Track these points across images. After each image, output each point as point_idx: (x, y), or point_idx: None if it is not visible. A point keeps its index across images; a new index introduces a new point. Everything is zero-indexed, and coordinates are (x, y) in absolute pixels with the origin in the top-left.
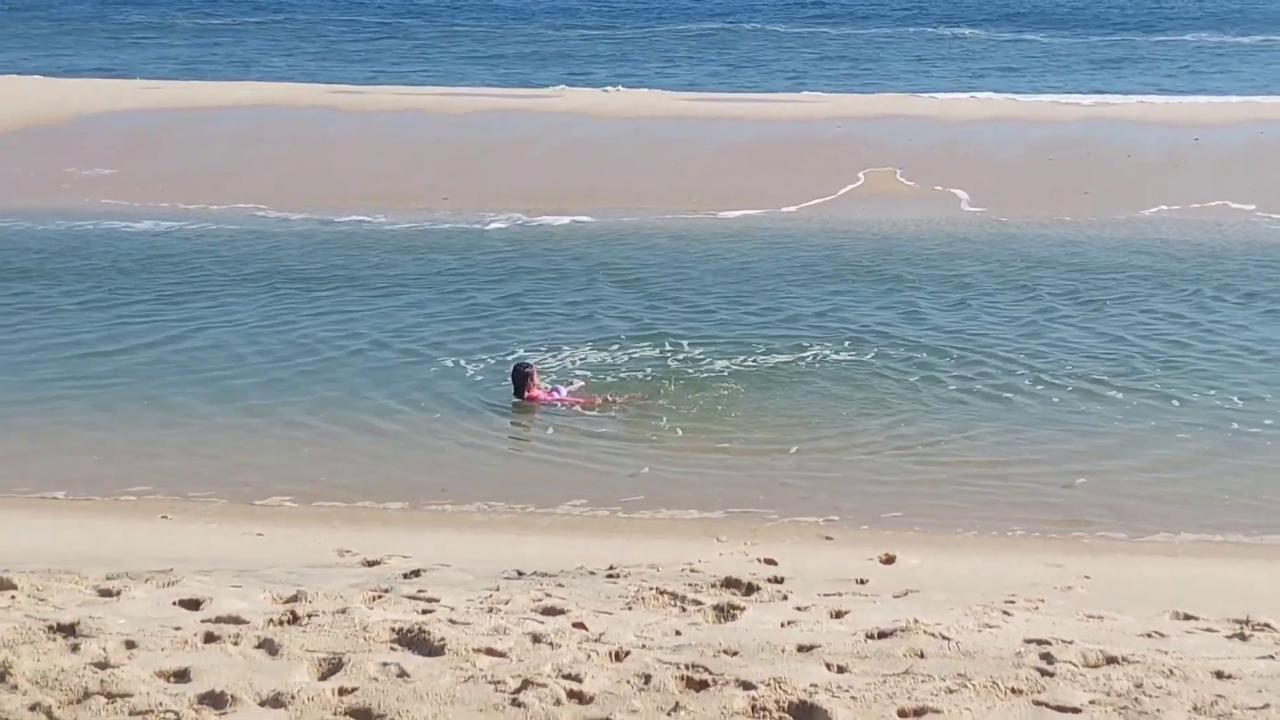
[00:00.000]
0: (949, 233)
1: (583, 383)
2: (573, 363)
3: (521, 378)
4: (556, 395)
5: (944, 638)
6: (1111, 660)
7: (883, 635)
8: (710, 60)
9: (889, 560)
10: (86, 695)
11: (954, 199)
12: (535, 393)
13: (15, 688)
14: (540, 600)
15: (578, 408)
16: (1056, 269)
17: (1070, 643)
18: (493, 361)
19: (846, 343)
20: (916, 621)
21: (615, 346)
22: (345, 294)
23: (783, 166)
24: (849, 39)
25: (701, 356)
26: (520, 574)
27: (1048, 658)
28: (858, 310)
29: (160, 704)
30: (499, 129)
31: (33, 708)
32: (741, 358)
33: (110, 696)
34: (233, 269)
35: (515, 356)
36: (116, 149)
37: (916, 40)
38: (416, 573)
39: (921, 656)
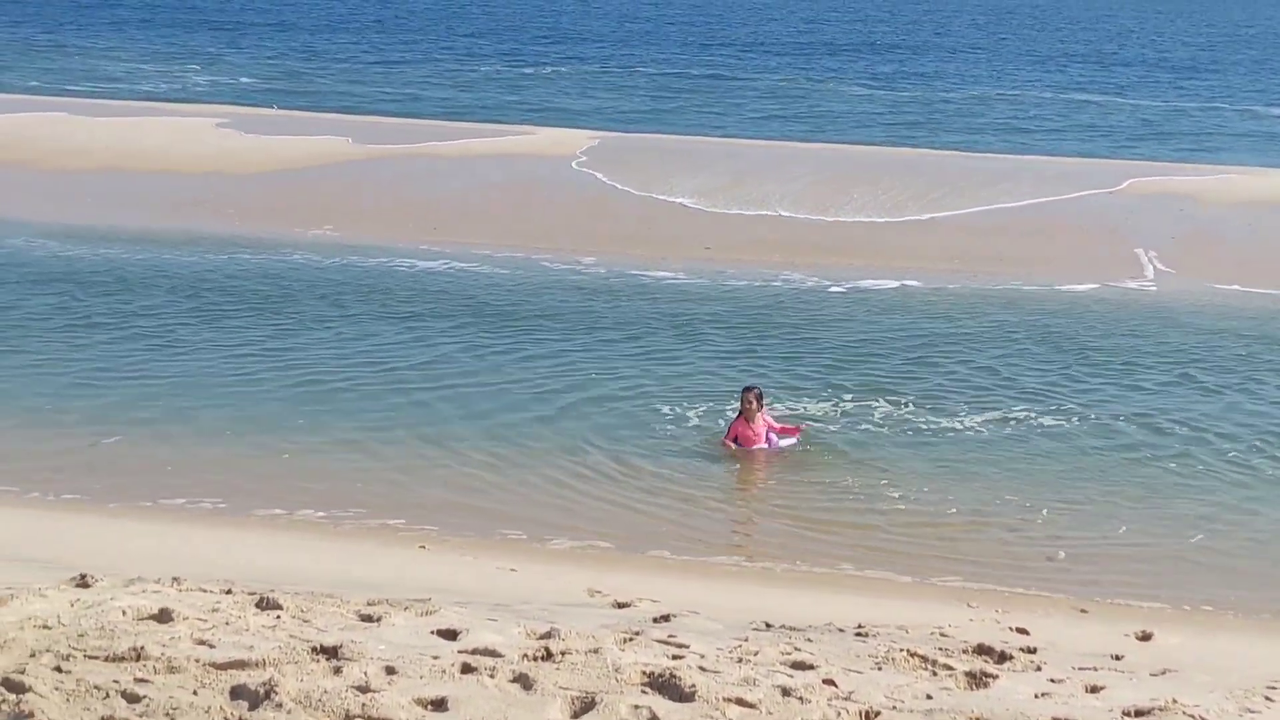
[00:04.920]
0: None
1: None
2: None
3: (749, 399)
4: (770, 441)
5: None
6: None
7: (1140, 714)
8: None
9: (1146, 637)
10: (348, 718)
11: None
12: (750, 429)
13: (280, 706)
14: (789, 654)
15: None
16: None
17: None
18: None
19: (1119, 419)
20: (1175, 702)
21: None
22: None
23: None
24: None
25: (959, 420)
26: (769, 626)
27: None
28: (1141, 390)
29: None
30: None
31: None
32: (997, 421)
33: None
34: (467, 306)
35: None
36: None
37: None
38: (666, 618)
39: None
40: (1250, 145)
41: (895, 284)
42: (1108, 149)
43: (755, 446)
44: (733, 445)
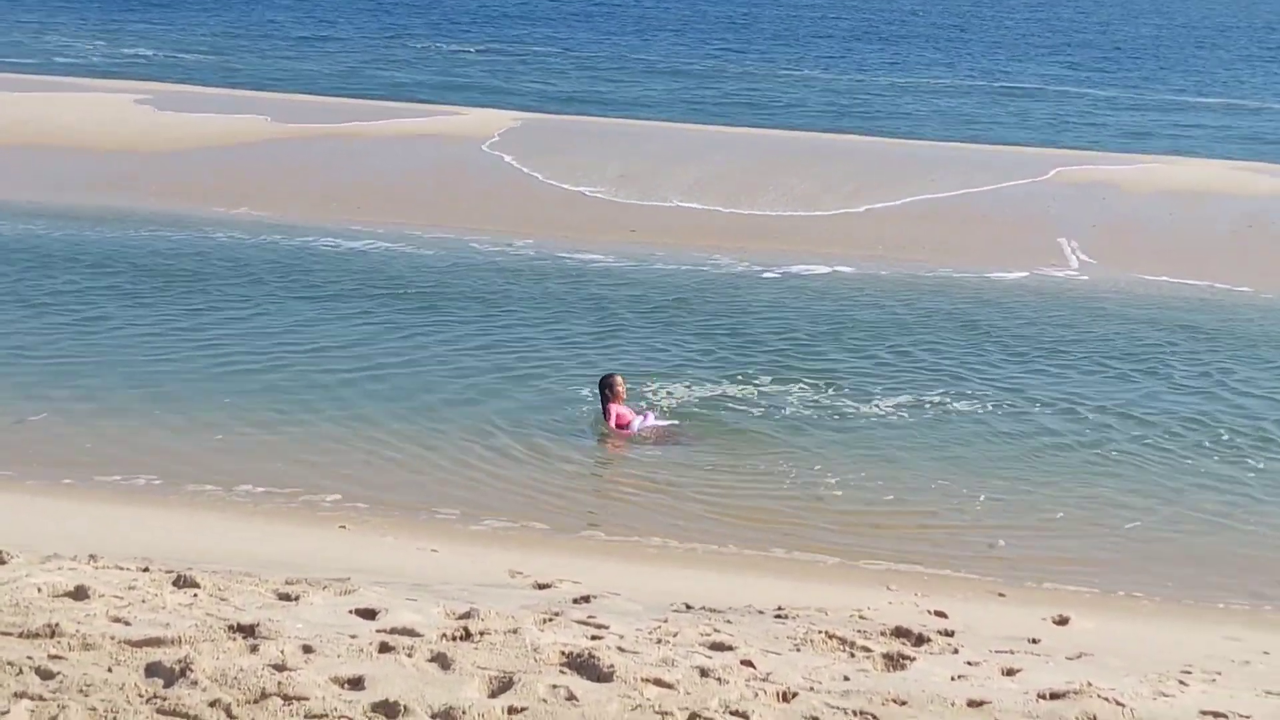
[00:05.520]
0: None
1: (669, 420)
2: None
3: (606, 388)
4: (645, 420)
5: (1118, 703)
6: None
7: (1055, 696)
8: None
9: (1063, 621)
10: (264, 696)
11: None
12: (620, 410)
13: (195, 683)
14: (708, 635)
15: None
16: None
17: (1248, 718)
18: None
19: (1048, 406)
20: (1090, 685)
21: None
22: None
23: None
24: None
25: (883, 405)
26: (689, 608)
27: None
28: (1069, 378)
29: (335, 709)
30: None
31: (212, 704)
32: (927, 407)
33: (287, 699)
34: (422, 287)
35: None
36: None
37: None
38: (587, 599)
39: None
40: (1180, 133)
41: (826, 270)
42: (1039, 137)
43: (634, 421)
44: (630, 431)
